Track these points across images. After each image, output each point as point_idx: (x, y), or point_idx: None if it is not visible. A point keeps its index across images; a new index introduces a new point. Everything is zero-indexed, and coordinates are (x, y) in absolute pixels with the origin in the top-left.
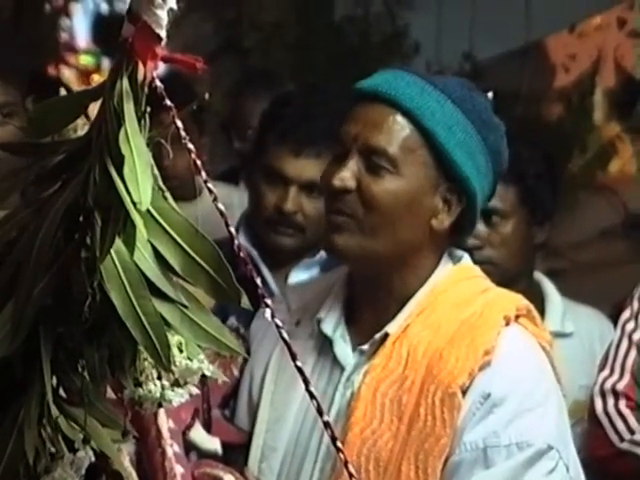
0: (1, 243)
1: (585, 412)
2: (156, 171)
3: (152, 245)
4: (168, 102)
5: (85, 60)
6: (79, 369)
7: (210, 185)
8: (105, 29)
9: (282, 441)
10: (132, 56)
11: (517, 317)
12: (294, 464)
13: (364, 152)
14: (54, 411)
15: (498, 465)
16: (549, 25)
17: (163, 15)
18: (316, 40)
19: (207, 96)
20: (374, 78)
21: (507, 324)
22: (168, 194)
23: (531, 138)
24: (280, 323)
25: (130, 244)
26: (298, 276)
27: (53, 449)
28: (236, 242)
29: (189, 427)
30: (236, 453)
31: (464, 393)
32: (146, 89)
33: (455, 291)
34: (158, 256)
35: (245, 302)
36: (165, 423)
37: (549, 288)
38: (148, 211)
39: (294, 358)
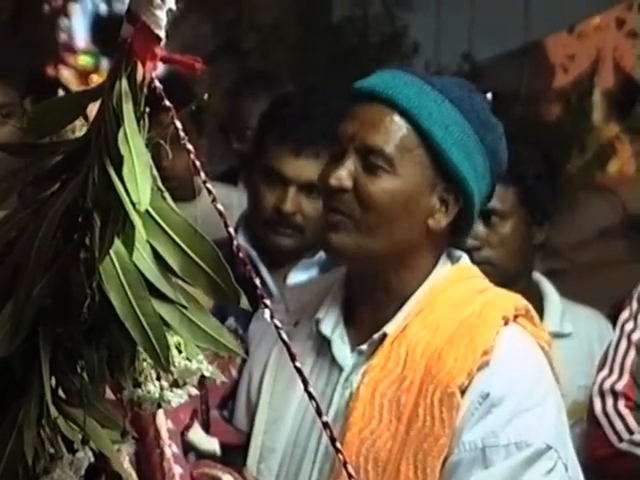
0: (0, 243)
1: (584, 413)
2: (155, 172)
3: (151, 245)
4: (167, 103)
5: (84, 60)
6: (78, 370)
7: (209, 186)
8: (104, 29)
9: (281, 442)
10: (131, 57)
11: (516, 317)
12: (293, 465)
13: (361, 151)
14: (53, 412)
15: (497, 465)
16: (548, 25)
17: (162, 16)
18: (315, 41)
19: (206, 97)
20: (372, 78)
21: (506, 324)
22: (167, 194)
23: (530, 138)
24: (279, 324)
25: (129, 245)
26: (297, 277)
27: (52, 450)
28: (235, 242)
29: (188, 428)
30: (235, 454)
31: (463, 393)
32: (145, 90)
33: (454, 291)
34: (157, 257)
35: (244, 303)
36: (164, 424)
37: (548, 288)
38: (147, 211)
39: (293, 359)
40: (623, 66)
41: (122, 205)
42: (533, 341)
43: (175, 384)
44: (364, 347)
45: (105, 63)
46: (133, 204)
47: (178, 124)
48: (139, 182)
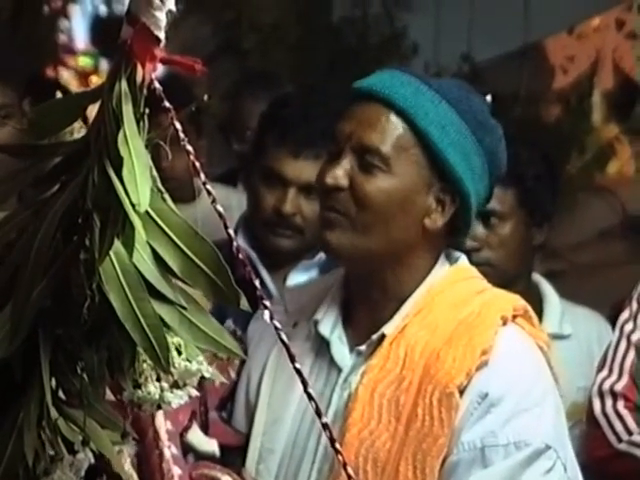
0: (0, 244)
1: (583, 414)
2: (155, 173)
3: (151, 247)
4: (167, 104)
5: (83, 62)
6: (78, 371)
7: (209, 187)
8: (103, 31)
9: (280, 443)
10: (131, 58)
11: (514, 317)
12: (292, 465)
13: (357, 150)
14: (53, 413)
15: (496, 465)
16: (548, 26)
17: (162, 17)
18: (315, 41)
19: (206, 98)
20: (370, 78)
21: (504, 324)
22: (167, 196)
23: (530, 139)
24: (279, 325)
25: (129, 246)
26: (297, 278)
27: (52, 451)
28: (235, 244)
29: (187, 429)
30: (234, 455)
31: (462, 393)
32: (145, 91)
33: (452, 291)
34: (157, 258)
35: (244, 304)
36: (163, 425)
37: (547, 290)
38: (147, 213)
39: (293, 360)
40: (623, 67)
41: (122, 206)
42: (532, 341)
43: (175, 385)
44: (363, 348)
45: (104, 64)
46: (133, 205)
47: (178, 125)
48: (139, 183)
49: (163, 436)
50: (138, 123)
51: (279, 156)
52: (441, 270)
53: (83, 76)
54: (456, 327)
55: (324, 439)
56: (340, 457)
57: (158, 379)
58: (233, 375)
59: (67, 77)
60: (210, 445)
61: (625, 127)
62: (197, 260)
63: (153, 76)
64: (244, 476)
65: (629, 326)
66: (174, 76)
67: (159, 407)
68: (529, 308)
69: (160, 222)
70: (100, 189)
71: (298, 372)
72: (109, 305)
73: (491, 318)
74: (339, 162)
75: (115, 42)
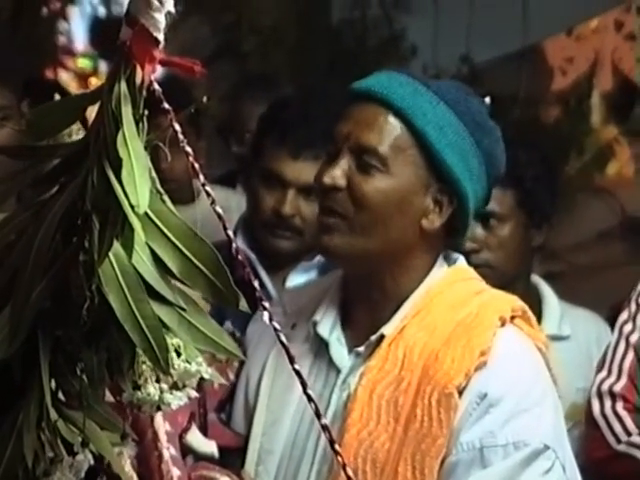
0: None
1: (583, 415)
2: (154, 174)
3: (150, 248)
4: (166, 105)
5: (83, 63)
6: (78, 372)
7: (208, 188)
8: (103, 32)
9: (279, 444)
10: (130, 59)
11: (512, 318)
12: (291, 467)
13: (355, 151)
14: (53, 414)
15: (495, 465)
16: (546, 28)
17: (161, 18)
18: (314, 43)
19: (205, 99)
20: (368, 79)
21: (503, 325)
22: (166, 197)
23: (529, 141)
24: (278, 326)
25: (128, 247)
26: (296, 279)
27: (52, 452)
28: (234, 245)
29: (186, 430)
30: (233, 457)
31: (460, 393)
32: (144, 92)
33: (451, 292)
34: (156, 259)
35: (243, 305)
36: (162, 426)
37: (546, 291)
38: (146, 214)
39: (292, 361)
40: (622, 68)
41: (121, 208)
42: (530, 342)
43: (175, 386)
44: (361, 349)
45: (104, 66)
46: (132, 207)
47: (177, 127)
48: (138, 185)
49: (162, 437)
50: (137, 124)
51: (278, 157)
52: (439, 271)
53: (82, 78)
54: (454, 328)
55: (323, 440)
56: (340, 458)
57: (157, 380)
58: (232, 377)
59: (66, 79)
60: (209, 446)
61: (624, 128)
62: (196, 261)
63: (152, 77)
64: (243, 477)
65: (628, 327)
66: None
67: (159, 408)
68: (527, 309)
69: (159, 223)
70: (99, 190)
71: (297, 373)
72: (108, 306)
73: (489, 319)
74: (337, 162)
75: (114, 44)
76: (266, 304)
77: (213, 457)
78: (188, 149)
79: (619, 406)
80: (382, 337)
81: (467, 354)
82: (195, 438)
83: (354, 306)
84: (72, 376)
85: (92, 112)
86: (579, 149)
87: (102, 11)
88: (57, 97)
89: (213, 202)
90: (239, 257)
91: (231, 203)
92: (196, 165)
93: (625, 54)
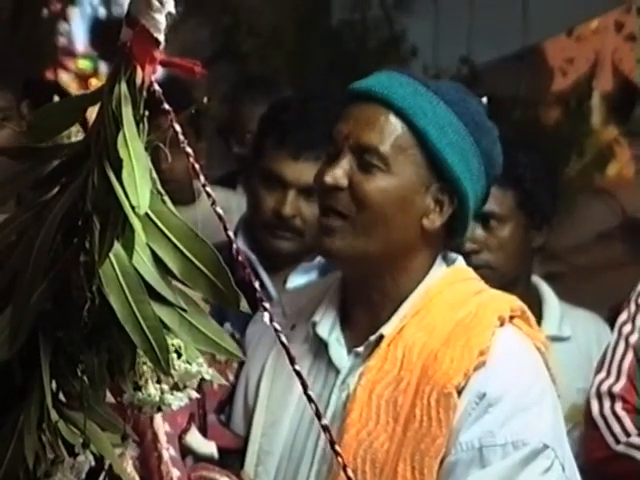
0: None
1: (582, 416)
2: (154, 175)
3: (151, 249)
4: (166, 106)
5: (83, 64)
6: (78, 373)
7: (208, 189)
8: (103, 33)
9: (278, 445)
10: (130, 60)
11: (511, 318)
12: (290, 467)
13: (356, 150)
14: (54, 415)
15: (494, 464)
16: (547, 29)
17: (161, 19)
18: (314, 45)
19: (206, 100)
20: (368, 79)
21: (501, 325)
22: (167, 198)
23: (529, 142)
24: (279, 327)
25: (129, 248)
26: (296, 280)
27: (53, 454)
28: (234, 246)
29: (185, 431)
30: (232, 458)
31: (459, 393)
32: (144, 93)
33: (450, 293)
34: (157, 260)
35: (244, 306)
36: (161, 427)
37: (547, 292)
38: (147, 215)
39: (292, 362)
40: (622, 69)
41: (122, 208)
42: (529, 342)
43: (175, 387)
44: (361, 349)
45: (104, 67)
46: (132, 207)
47: (177, 127)
48: (138, 185)
49: (162, 438)
50: (138, 125)
51: (279, 158)
52: (438, 271)
53: (82, 79)
54: (453, 328)
55: (322, 440)
56: (340, 459)
57: (158, 381)
58: (231, 378)
59: (66, 80)
60: (209, 447)
61: (624, 129)
62: (197, 262)
63: (153, 78)
64: (242, 478)
65: (627, 328)
66: (174, 78)
67: (159, 409)
68: (526, 309)
69: (160, 224)
70: (100, 191)
71: (298, 374)
72: (109, 307)
73: (488, 319)
74: (338, 162)
75: (114, 45)
76: (266, 305)
77: (212, 458)
78: (188, 150)
79: (618, 407)
80: (381, 337)
81: (466, 354)
82: (195, 439)
83: (353, 307)
84: (73, 377)
85: (92, 113)
86: (579, 150)
87: (102, 12)
88: (57, 98)
89: (214, 203)
90: (239, 258)
91: (231, 204)
92: (196, 166)
93: (625, 55)
